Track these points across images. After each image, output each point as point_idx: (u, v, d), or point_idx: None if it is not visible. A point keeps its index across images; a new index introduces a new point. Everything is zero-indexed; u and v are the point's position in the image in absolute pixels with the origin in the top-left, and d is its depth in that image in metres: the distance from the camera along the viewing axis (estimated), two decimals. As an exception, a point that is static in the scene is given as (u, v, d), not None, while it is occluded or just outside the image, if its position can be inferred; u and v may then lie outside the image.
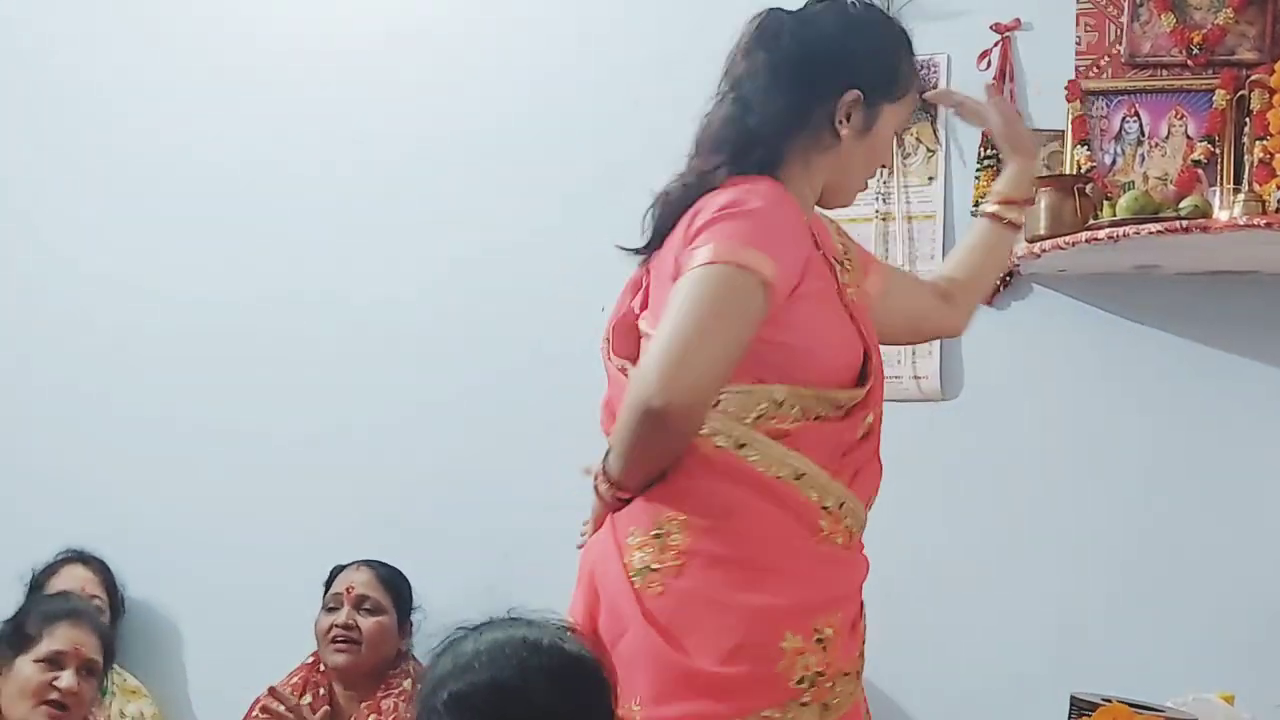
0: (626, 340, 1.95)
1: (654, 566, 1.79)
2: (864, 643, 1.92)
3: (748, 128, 1.89)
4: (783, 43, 1.92)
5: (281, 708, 2.69)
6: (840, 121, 1.91)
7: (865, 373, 1.91)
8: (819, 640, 1.79)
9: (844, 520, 1.86)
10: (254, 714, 2.99)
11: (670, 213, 1.90)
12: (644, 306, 1.94)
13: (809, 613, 1.80)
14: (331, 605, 3.05)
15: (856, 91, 1.91)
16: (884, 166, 2.00)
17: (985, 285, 2.34)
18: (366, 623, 3.01)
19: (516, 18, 3.34)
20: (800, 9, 1.98)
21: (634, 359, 1.90)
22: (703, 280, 1.76)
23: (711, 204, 1.83)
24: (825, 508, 1.84)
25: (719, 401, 1.81)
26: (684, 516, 1.79)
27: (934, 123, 3.05)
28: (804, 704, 1.76)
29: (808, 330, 1.86)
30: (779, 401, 1.83)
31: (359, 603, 3.03)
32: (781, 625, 1.77)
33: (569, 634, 1.65)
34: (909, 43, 2.03)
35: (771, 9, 1.97)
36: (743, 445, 1.80)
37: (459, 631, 1.64)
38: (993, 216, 2.24)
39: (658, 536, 1.79)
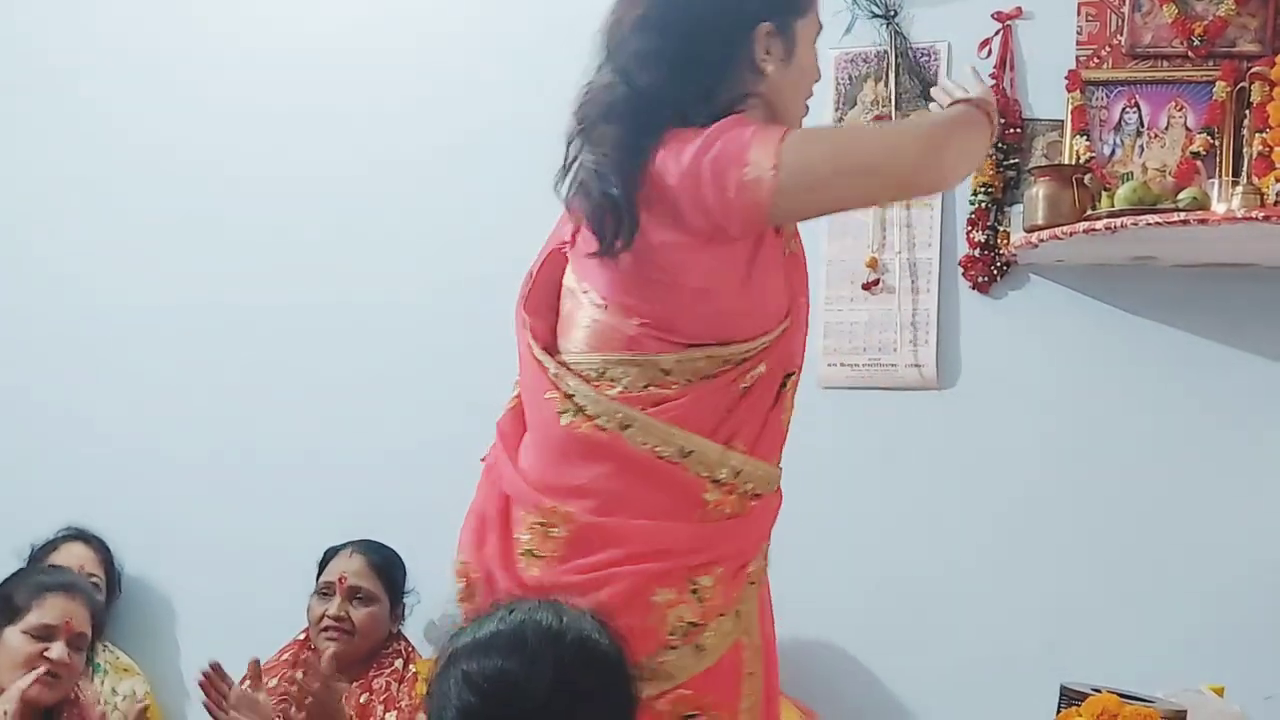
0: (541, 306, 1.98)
1: (537, 553, 1.87)
2: (757, 571, 1.96)
3: (674, 95, 1.85)
4: (672, 6, 1.87)
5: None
6: (762, 59, 1.89)
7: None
8: (694, 592, 1.85)
9: (742, 487, 1.88)
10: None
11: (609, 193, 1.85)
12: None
13: (684, 572, 1.85)
14: (324, 592, 3.04)
15: (768, 23, 1.89)
16: (816, 82, 1.99)
17: None
18: (359, 614, 3.00)
19: (517, 15, 3.34)
20: None
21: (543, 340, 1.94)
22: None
23: (696, 136, 1.81)
24: (717, 480, 1.86)
25: (605, 370, 1.86)
26: (566, 509, 1.86)
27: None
28: (673, 648, 1.83)
29: (760, 288, 1.88)
30: (666, 370, 1.86)
31: (351, 594, 3.01)
32: (652, 584, 1.83)
33: (602, 627, 1.65)
34: None
35: None
36: (627, 426, 1.84)
37: (493, 607, 1.65)
38: None
39: (542, 525, 1.87)
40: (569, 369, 1.90)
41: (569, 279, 1.98)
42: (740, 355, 1.88)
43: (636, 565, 1.83)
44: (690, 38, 1.86)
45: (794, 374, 1.96)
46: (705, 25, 1.87)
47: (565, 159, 1.94)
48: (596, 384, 1.87)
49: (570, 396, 1.88)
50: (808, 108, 2.01)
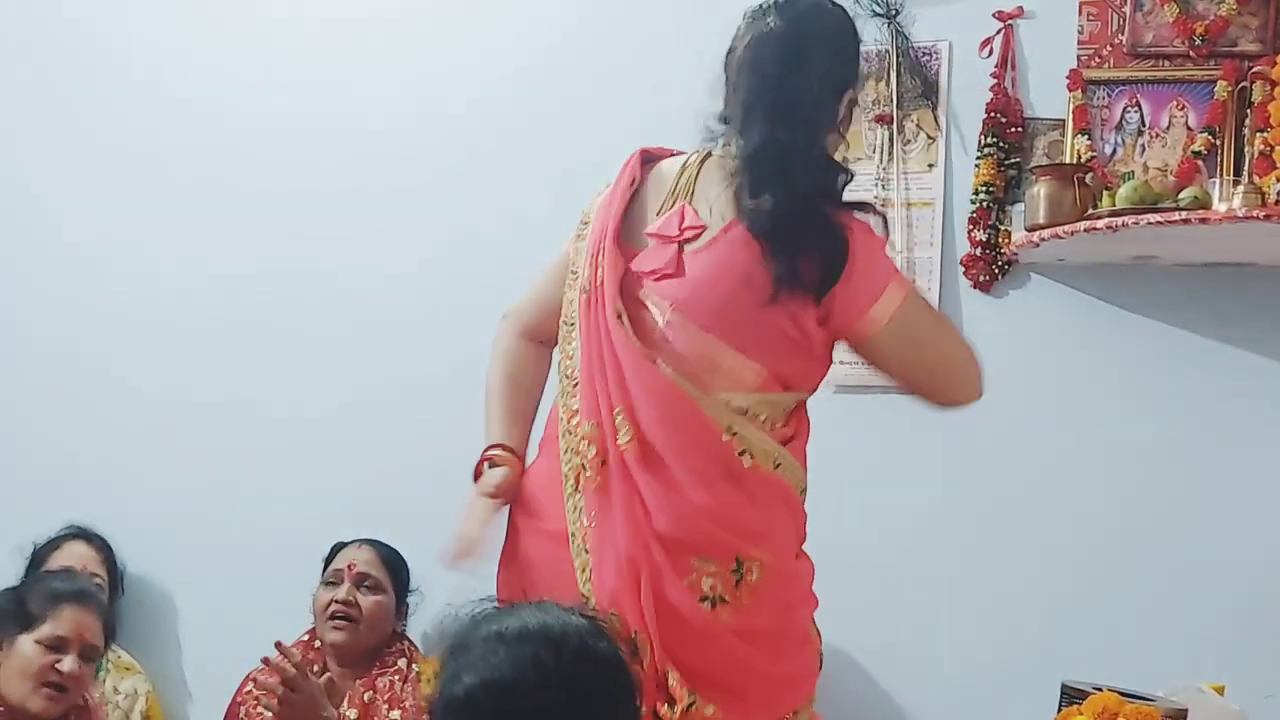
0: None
1: (725, 598, 1.92)
2: None
3: (819, 153, 1.97)
4: (810, 55, 1.95)
5: (281, 673, 2.60)
6: (843, 124, 1.99)
7: None
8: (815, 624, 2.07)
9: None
10: (245, 689, 2.99)
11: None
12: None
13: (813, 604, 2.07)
14: (331, 580, 3.05)
15: (851, 92, 1.99)
16: None
17: None
18: (366, 600, 3.02)
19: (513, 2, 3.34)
20: (794, 11, 1.99)
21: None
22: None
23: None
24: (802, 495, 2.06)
25: (751, 409, 1.95)
26: (764, 559, 1.94)
27: (935, 109, 3.05)
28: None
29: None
30: (787, 408, 2.00)
31: (360, 580, 3.03)
32: (810, 620, 2.07)
33: (601, 631, 1.65)
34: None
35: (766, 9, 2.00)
36: (778, 464, 1.96)
37: (494, 608, 1.66)
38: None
39: (734, 573, 1.92)
40: (730, 408, 1.95)
41: (652, 301, 1.98)
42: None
43: (805, 604, 2.05)
44: (810, 100, 1.96)
45: None
46: (831, 78, 1.99)
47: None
48: (753, 420, 1.96)
49: (736, 434, 1.94)
50: None
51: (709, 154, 2.05)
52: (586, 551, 1.94)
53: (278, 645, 2.55)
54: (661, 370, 1.92)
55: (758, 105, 1.94)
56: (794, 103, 1.93)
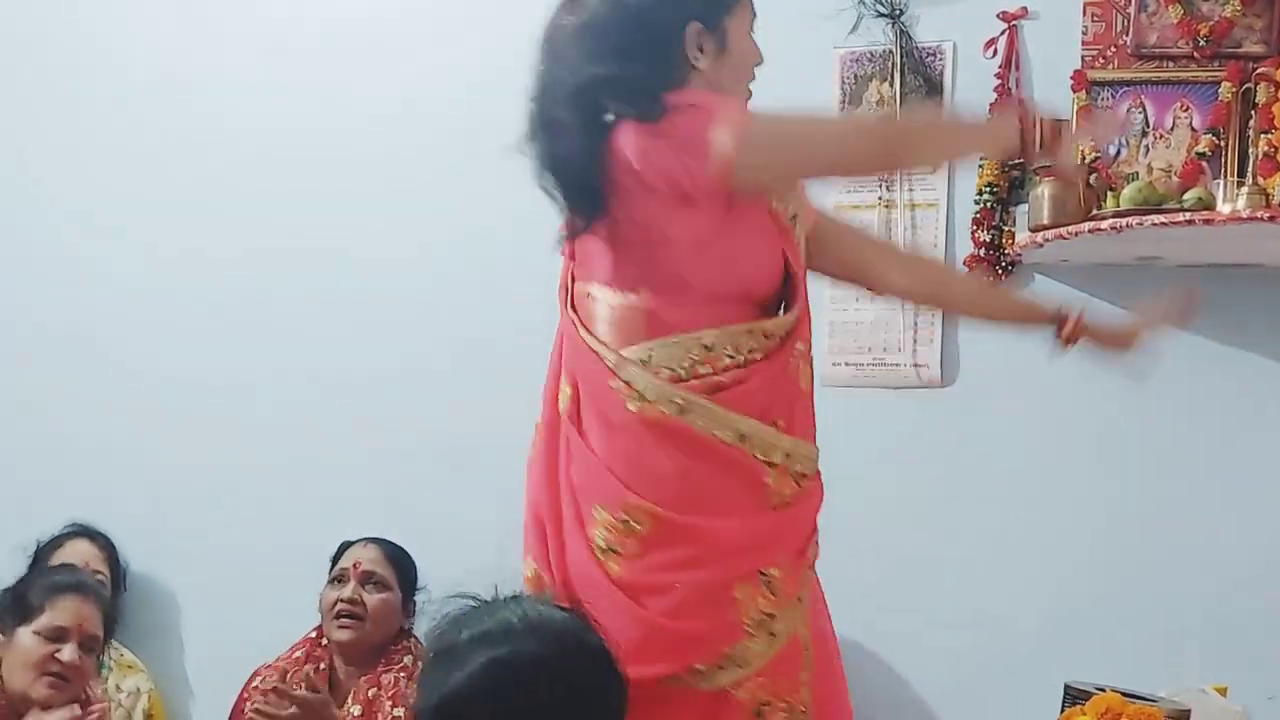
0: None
1: (616, 549, 1.92)
2: (812, 557, 2.04)
3: (620, 90, 1.96)
4: (608, 13, 1.98)
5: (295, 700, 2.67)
6: (695, 57, 2.00)
7: (792, 297, 2.01)
8: (767, 583, 1.93)
9: (793, 468, 1.96)
10: (247, 700, 2.99)
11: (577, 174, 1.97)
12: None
13: (759, 565, 1.94)
14: (337, 579, 3.06)
15: (696, 23, 1.99)
16: (758, 64, 2.09)
17: (944, 306, 2.49)
18: (372, 599, 3.02)
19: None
20: None
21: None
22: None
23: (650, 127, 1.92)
24: (772, 463, 1.94)
25: (650, 356, 1.92)
26: (649, 506, 1.90)
27: (939, 110, 3.04)
28: (752, 637, 1.91)
29: (748, 242, 1.97)
30: (708, 346, 1.93)
31: (365, 578, 3.04)
32: (732, 581, 1.92)
33: (585, 623, 1.66)
34: None
35: None
36: (686, 411, 1.90)
37: (478, 602, 1.66)
38: (1037, 317, 2.28)
39: (625, 523, 1.91)
40: (624, 358, 1.95)
41: (580, 289, 2.06)
42: (783, 329, 1.98)
43: (717, 563, 1.91)
44: (627, 41, 1.97)
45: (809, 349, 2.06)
46: (640, 30, 1.98)
47: (531, 152, 2.03)
48: (652, 370, 1.93)
49: (630, 384, 1.93)
50: (750, 91, 2.09)
51: None
52: None
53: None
54: (579, 331, 2.02)
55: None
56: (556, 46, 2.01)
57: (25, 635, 2.60)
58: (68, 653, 2.59)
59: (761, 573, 1.92)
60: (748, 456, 1.92)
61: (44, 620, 2.60)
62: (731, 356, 1.94)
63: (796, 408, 2.00)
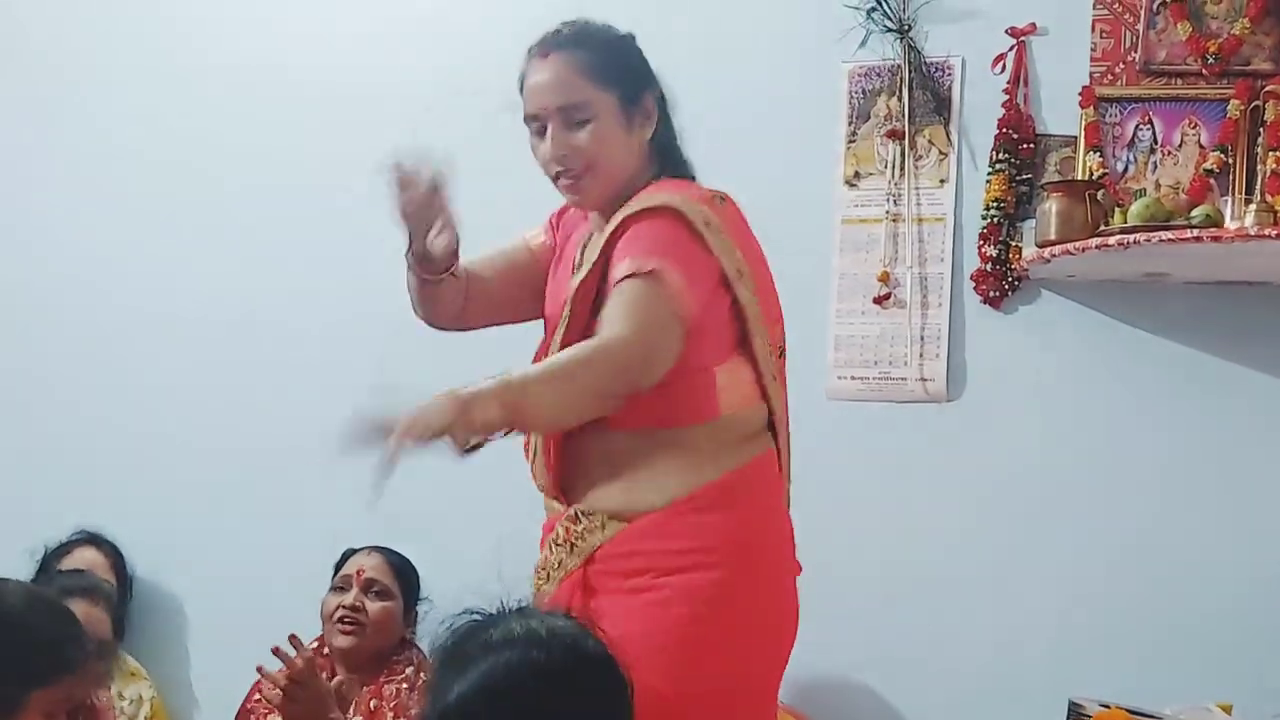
0: None
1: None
2: None
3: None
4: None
5: (289, 666, 2.56)
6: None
7: None
8: None
9: None
10: (254, 698, 3.00)
11: None
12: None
13: None
14: (340, 586, 3.06)
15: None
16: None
17: None
18: (374, 606, 3.03)
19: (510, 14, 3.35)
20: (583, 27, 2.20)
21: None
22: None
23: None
24: None
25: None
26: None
27: (947, 126, 3.05)
28: None
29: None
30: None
31: (368, 586, 3.04)
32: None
33: (586, 632, 1.66)
34: None
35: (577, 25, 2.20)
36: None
37: (473, 619, 1.67)
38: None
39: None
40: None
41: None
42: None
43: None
44: None
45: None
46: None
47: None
48: None
49: None
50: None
51: None
52: None
53: (291, 638, 2.56)
54: None
55: None
56: None
57: None
58: None
59: None
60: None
61: None
62: None
63: None
